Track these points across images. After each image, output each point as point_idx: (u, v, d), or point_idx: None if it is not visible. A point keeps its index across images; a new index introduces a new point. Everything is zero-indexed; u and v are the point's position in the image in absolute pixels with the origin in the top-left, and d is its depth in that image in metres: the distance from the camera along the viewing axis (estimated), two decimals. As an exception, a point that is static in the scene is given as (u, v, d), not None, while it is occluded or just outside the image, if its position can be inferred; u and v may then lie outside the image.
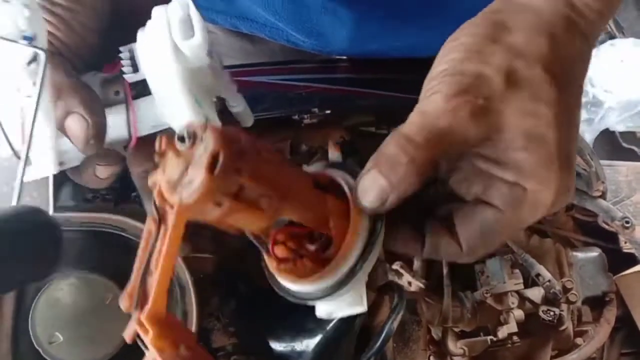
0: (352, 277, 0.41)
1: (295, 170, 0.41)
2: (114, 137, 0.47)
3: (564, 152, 0.38)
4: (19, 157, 0.43)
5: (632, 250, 1.22)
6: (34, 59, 0.42)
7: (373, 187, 0.39)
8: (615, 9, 0.45)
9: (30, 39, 0.42)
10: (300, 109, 0.67)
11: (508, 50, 0.39)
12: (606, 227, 1.20)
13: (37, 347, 0.54)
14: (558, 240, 1.26)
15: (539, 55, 0.39)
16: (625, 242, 1.24)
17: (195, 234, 0.60)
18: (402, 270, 1.13)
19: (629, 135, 2.12)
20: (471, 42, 0.40)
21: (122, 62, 0.47)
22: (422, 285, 1.10)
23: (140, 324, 0.34)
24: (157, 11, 0.47)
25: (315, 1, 0.69)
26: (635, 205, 1.74)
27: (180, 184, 0.33)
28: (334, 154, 0.53)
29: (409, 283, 1.12)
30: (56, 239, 0.38)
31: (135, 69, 0.47)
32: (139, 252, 0.36)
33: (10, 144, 0.44)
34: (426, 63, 0.44)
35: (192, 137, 0.33)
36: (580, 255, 1.20)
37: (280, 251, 0.42)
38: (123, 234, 0.57)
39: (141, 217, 0.58)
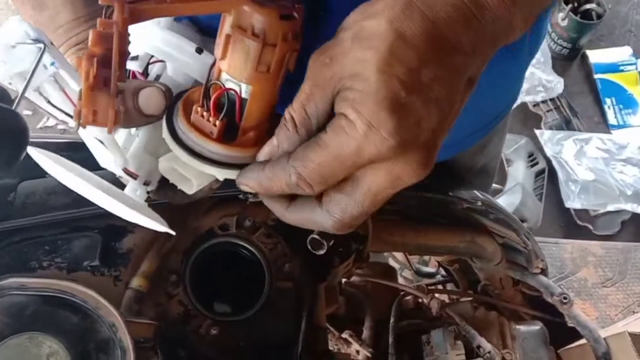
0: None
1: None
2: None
3: (387, 93, 0.41)
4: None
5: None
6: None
7: (265, 147, 0.46)
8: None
9: (36, 40, 0.51)
10: (245, 189, 0.74)
11: (364, 14, 0.43)
12: (551, 302, 1.25)
13: (-15, 402, 0.59)
14: (506, 313, 1.32)
15: (388, 15, 0.42)
16: (568, 316, 1.29)
17: (138, 300, 0.66)
18: (350, 339, 1.18)
19: (583, 213, 2.22)
20: (351, 14, 0.45)
21: None
22: (369, 354, 1.16)
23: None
24: None
25: None
26: (579, 281, 1.81)
27: None
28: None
29: (357, 352, 1.18)
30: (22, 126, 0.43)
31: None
32: None
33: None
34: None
35: None
36: (523, 328, 1.25)
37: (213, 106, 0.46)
38: (73, 298, 0.63)
39: (91, 284, 0.64)
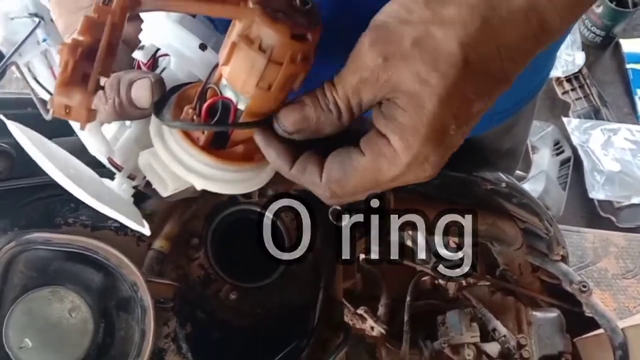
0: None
1: None
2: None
3: (439, 127, 0.39)
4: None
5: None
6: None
7: (295, 115, 0.42)
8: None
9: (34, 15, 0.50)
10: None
11: (434, 16, 0.38)
12: (569, 289, 1.24)
13: (7, 351, 0.60)
14: (523, 300, 1.31)
15: (460, 31, 0.38)
16: (587, 306, 1.28)
17: (160, 261, 0.67)
18: (366, 315, 1.19)
19: (606, 204, 2.19)
20: (408, 2, 0.40)
21: None
22: (383, 331, 1.16)
23: None
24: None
25: None
26: (599, 271, 1.79)
27: None
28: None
29: (372, 328, 1.18)
30: None
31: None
32: None
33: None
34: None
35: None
36: (539, 315, 1.25)
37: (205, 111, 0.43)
38: (96, 256, 0.63)
39: (114, 243, 0.65)
